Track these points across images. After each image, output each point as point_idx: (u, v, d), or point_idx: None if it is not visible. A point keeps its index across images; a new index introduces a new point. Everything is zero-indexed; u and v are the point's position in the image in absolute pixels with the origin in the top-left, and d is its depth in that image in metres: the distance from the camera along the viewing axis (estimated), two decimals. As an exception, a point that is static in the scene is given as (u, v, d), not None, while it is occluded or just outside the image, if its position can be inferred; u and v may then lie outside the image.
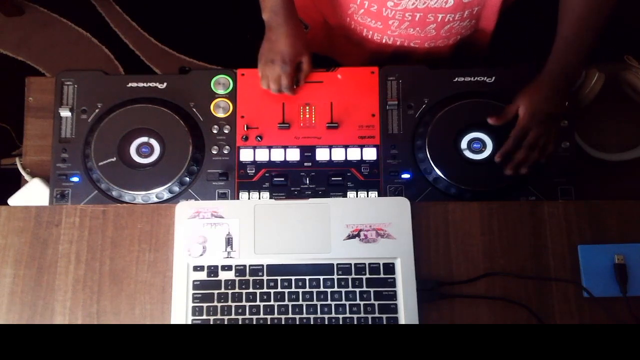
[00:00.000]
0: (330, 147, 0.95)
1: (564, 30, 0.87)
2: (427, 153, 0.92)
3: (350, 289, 0.80)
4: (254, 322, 0.79)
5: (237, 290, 0.80)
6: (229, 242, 0.82)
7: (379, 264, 0.80)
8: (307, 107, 0.96)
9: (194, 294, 0.80)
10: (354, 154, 0.94)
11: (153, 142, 0.94)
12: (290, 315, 0.79)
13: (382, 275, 0.80)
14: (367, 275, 0.80)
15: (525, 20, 1.16)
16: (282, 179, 0.93)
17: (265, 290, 0.80)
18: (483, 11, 0.97)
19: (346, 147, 0.94)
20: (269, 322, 0.79)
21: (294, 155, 0.94)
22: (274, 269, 0.81)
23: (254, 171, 0.94)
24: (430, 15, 0.94)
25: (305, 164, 0.94)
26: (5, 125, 1.62)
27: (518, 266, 0.81)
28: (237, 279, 0.80)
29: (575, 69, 0.89)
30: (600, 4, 0.85)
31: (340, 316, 0.79)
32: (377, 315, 0.79)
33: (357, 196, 0.92)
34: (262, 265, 0.81)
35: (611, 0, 0.85)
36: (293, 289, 0.80)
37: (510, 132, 0.88)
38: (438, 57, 1.06)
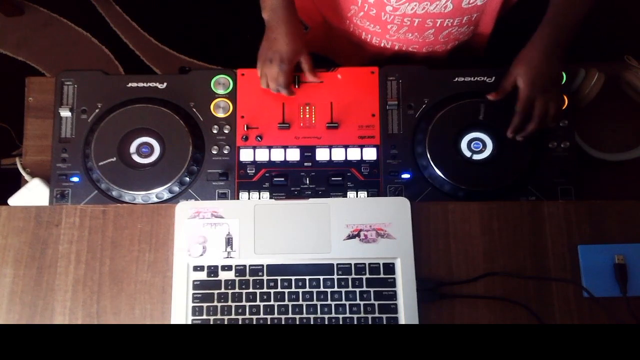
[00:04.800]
0: (330, 147, 0.95)
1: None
2: (427, 153, 0.92)
3: (350, 289, 0.80)
4: (254, 322, 0.79)
5: (237, 290, 0.80)
6: (229, 242, 0.82)
7: (379, 264, 0.80)
8: (307, 107, 0.96)
9: (194, 294, 0.80)
10: (354, 154, 0.94)
11: (153, 142, 0.94)
12: (290, 315, 0.79)
13: (382, 275, 0.80)
14: (367, 275, 0.80)
15: (523, 21, 1.16)
16: (282, 179, 0.93)
17: (265, 290, 0.80)
18: (482, 17, 0.97)
19: (346, 147, 0.94)
20: (269, 322, 0.79)
21: (294, 155, 0.94)
22: (274, 269, 0.81)
23: (254, 171, 0.94)
24: (429, 21, 0.94)
25: (305, 164, 0.94)
26: (5, 125, 1.62)
27: (518, 266, 0.81)
28: (237, 279, 0.80)
29: (568, 32, 0.87)
30: None
31: (340, 316, 0.79)
32: (377, 315, 0.79)
33: (357, 196, 0.92)
34: (262, 265, 0.81)
35: None
36: (293, 289, 0.80)
37: (516, 106, 0.87)
38: (436, 61, 1.06)
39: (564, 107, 0.93)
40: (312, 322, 0.79)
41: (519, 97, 0.87)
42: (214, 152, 0.94)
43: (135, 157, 0.93)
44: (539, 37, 0.87)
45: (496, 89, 0.91)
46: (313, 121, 0.96)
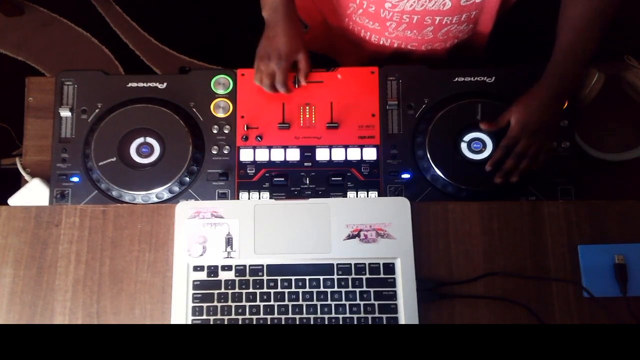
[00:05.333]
0: (330, 147, 0.95)
1: (562, 40, 0.86)
2: (427, 153, 0.92)
3: (350, 289, 0.80)
4: (254, 322, 0.79)
5: (237, 290, 0.80)
6: (229, 242, 0.82)
7: (379, 264, 0.80)
8: (307, 107, 0.96)
9: (194, 294, 0.80)
10: (354, 154, 0.94)
11: (153, 142, 0.94)
12: (290, 315, 0.79)
13: (382, 275, 0.80)
14: (367, 275, 0.80)
15: (523, 20, 1.16)
16: (282, 179, 0.93)
17: (265, 290, 0.80)
18: (481, 15, 0.97)
19: (346, 147, 0.94)
20: (269, 322, 0.79)
21: (294, 155, 0.94)
22: (274, 269, 0.81)
23: (254, 171, 0.94)
24: (428, 18, 0.94)
25: (305, 164, 0.94)
26: (5, 125, 1.62)
27: (518, 266, 0.81)
28: (237, 279, 0.80)
29: (571, 82, 0.88)
30: (598, 14, 0.83)
31: (340, 316, 0.79)
32: (377, 315, 0.79)
33: (357, 196, 0.92)
34: (262, 265, 0.81)
35: (609, 10, 0.84)
36: (293, 289, 0.80)
37: (501, 142, 0.88)
38: (435, 59, 1.06)
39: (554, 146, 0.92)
40: (312, 322, 0.78)
41: (506, 134, 0.87)
42: (214, 152, 0.94)
43: (135, 157, 0.93)
44: (542, 86, 0.86)
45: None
46: (313, 121, 0.96)
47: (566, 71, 0.86)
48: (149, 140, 0.94)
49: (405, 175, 0.93)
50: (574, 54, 0.85)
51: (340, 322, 0.79)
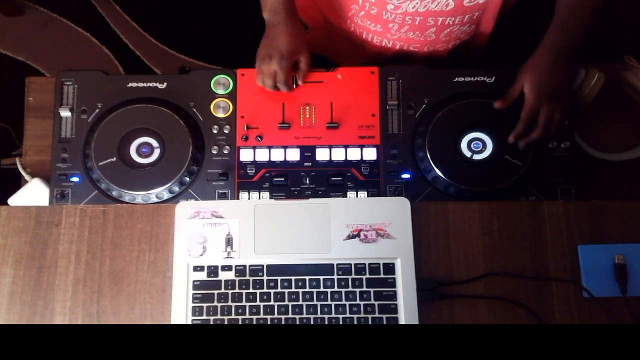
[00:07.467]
0: (330, 147, 0.95)
1: (563, 2, 0.85)
2: (427, 153, 0.92)
3: (350, 289, 0.80)
4: (254, 322, 0.79)
5: (237, 290, 0.80)
6: (229, 242, 0.82)
7: (379, 264, 0.80)
8: (307, 107, 0.96)
9: (194, 294, 0.80)
10: (354, 154, 0.94)
11: (153, 142, 0.94)
12: (290, 316, 0.79)
13: (382, 275, 0.80)
14: (367, 276, 0.80)
15: (523, 20, 1.16)
16: (282, 179, 0.93)
17: (265, 290, 0.80)
18: (483, 16, 0.97)
19: (346, 147, 0.94)
20: (269, 322, 0.79)
21: (294, 155, 0.94)
22: (274, 269, 0.81)
23: (254, 171, 0.94)
24: (431, 19, 0.94)
25: (305, 164, 0.94)
26: (5, 125, 1.62)
27: (518, 266, 0.81)
28: (237, 279, 0.80)
29: (575, 40, 0.86)
30: None
31: (340, 316, 0.79)
32: (377, 315, 0.79)
33: (357, 196, 0.92)
34: (262, 266, 0.81)
35: None
36: (293, 289, 0.80)
37: (521, 114, 0.86)
38: (437, 60, 1.06)
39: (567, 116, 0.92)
40: (312, 322, 0.78)
41: (525, 106, 0.86)
42: (214, 152, 0.94)
43: (135, 157, 0.93)
44: (546, 45, 0.86)
45: (498, 92, 0.91)
46: (313, 121, 0.96)
47: (568, 32, 0.85)
48: (149, 140, 0.94)
49: (405, 175, 0.93)
50: (575, 15, 0.85)
51: (340, 322, 0.79)
